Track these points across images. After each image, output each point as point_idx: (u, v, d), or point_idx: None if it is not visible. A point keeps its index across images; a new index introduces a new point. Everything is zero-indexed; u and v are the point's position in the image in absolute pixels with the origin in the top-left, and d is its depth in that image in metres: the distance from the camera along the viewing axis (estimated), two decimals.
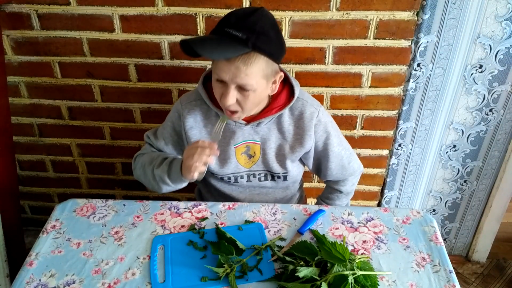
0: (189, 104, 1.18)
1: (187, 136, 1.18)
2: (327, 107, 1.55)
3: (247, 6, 1.34)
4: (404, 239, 1.09)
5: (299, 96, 1.17)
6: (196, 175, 1.04)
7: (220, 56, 0.97)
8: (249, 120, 1.17)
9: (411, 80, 1.48)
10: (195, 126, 1.18)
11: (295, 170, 1.25)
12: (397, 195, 1.78)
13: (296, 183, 1.35)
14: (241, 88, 1.02)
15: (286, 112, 1.17)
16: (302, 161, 1.28)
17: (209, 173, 1.25)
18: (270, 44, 0.99)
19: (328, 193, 1.38)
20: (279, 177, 1.25)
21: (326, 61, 1.44)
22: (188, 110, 1.18)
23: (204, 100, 1.16)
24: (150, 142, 1.24)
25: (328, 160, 1.24)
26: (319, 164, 1.27)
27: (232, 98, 1.03)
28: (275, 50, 1.02)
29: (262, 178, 1.26)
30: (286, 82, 1.18)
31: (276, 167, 1.22)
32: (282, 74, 1.10)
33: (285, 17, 1.36)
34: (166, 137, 1.22)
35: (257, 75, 1.00)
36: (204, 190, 1.38)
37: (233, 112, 1.08)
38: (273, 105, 1.15)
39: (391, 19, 1.35)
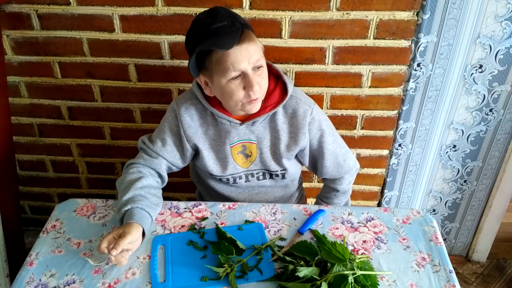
0: (184, 102, 1.18)
1: (186, 134, 1.18)
2: (327, 107, 1.55)
3: (247, 5, 1.34)
4: (404, 239, 1.09)
5: (293, 94, 1.17)
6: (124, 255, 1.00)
7: (232, 42, 1.00)
8: (243, 120, 1.17)
9: (411, 80, 1.48)
10: (192, 125, 1.18)
11: (293, 168, 1.25)
12: (397, 195, 1.78)
13: (295, 181, 1.35)
14: (256, 69, 1.05)
15: (280, 110, 1.17)
16: (298, 159, 1.28)
17: (208, 175, 1.25)
18: (245, 20, 1.07)
19: (326, 192, 1.38)
20: (277, 175, 1.25)
21: (326, 61, 1.44)
22: (184, 108, 1.17)
23: (199, 100, 1.16)
24: (145, 147, 1.21)
25: (323, 158, 1.24)
26: (315, 162, 1.28)
27: (257, 81, 1.05)
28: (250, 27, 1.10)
29: (261, 177, 1.26)
30: (279, 80, 1.18)
31: (274, 166, 1.22)
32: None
33: (285, 17, 1.36)
34: (162, 139, 1.20)
35: (259, 49, 1.07)
36: (204, 192, 1.38)
37: (255, 101, 1.09)
38: (266, 103, 1.14)
39: (391, 19, 1.35)
